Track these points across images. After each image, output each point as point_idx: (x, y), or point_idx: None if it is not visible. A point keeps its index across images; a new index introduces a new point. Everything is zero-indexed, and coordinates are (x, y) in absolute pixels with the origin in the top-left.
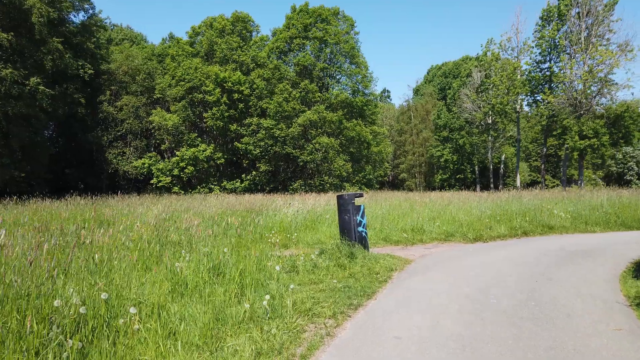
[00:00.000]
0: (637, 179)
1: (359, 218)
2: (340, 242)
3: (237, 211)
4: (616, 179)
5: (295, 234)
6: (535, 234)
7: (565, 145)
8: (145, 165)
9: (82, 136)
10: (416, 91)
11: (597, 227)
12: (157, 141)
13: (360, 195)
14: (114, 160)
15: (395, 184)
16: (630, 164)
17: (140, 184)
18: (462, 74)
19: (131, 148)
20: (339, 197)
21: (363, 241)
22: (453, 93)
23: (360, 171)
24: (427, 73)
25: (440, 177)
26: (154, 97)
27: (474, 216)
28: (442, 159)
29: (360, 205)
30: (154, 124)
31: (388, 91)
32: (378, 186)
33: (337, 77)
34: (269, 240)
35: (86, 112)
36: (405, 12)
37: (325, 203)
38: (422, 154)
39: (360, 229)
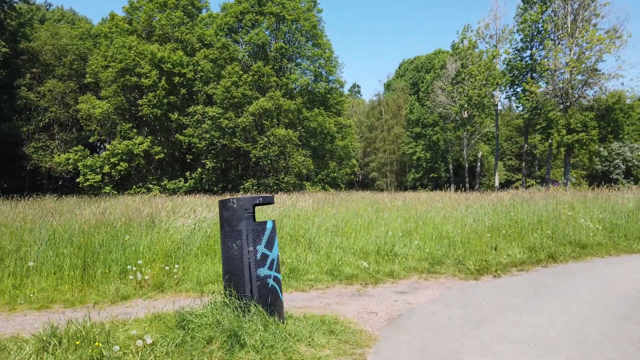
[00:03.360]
0: (623, 178)
1: (261, 249)
2: (223, 299)
3: (111, 221)
4: (601, 178)
5: (180, 265)
6: (566, 257)
7: (550, 141)
8: (70, 161)
9: None
10: (387, 86)
11: None
12: (88, 133)
13: (268, 202)
14: (34, 155)
15: (366, 184)
16: (616, 161)
17: (69, 183)
18: (436, 67)
19: (57, 141)
20: (223, 205)
21: (269, 299)
22: (426, 86)
23: (324, 168)
24: (399, 67)
25: (412, 176)
26: (85, 82)
27: (468, 228)
28: (414, 157)
29: (265, 223)
30: (81, 113)
31: (358, 86)
32: (344, 186)
33: (297, 60)
34: (131, 277)
35: (1, 97)
36: None
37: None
38: (394, 152)
39: (263, 272)
